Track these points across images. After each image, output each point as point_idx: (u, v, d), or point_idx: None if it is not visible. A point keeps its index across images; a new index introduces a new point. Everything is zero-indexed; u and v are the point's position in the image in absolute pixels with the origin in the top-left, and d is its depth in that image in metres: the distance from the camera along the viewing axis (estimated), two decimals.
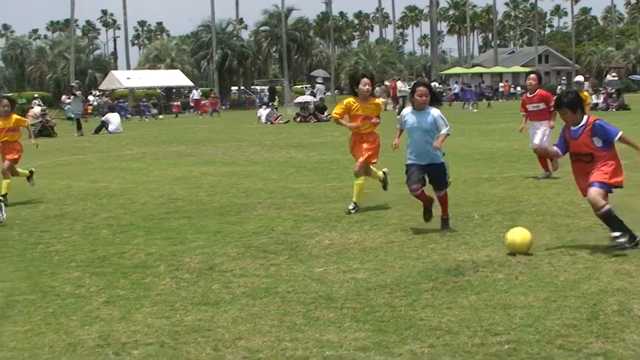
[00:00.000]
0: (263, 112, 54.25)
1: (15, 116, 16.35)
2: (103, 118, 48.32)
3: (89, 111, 64.95)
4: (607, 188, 10.02)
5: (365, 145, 13.95)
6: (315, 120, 51.07)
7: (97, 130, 44.57)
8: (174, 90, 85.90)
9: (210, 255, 10.75)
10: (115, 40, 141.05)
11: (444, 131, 11.74)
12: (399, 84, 60.64)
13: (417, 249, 10.72)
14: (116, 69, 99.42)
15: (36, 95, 69.91)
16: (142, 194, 16.94)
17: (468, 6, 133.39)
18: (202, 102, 75.85)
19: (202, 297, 8.69)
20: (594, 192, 9.88)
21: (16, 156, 16.18)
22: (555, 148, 10.65)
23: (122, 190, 17.85)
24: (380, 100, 14.74)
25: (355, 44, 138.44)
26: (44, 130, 42.37)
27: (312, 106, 55.26)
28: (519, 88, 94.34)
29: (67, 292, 9.14)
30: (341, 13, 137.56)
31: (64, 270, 10.18)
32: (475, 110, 62.18)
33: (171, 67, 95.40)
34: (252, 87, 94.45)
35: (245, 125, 50.41)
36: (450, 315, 7.61)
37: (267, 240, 11.45)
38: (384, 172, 14.66)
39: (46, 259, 10.99)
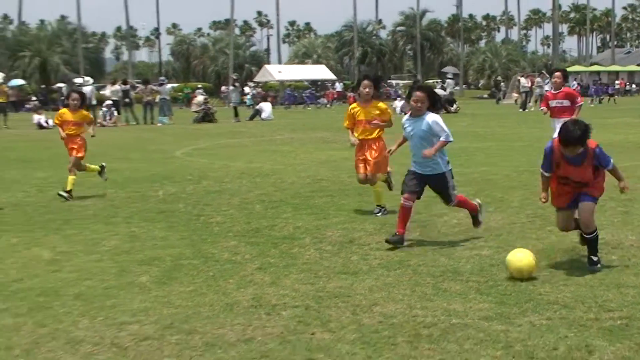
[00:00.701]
0: (398, 103, 54.10)
1: (83, 111, 15.28)
2: (257, 106, 48.89)
3: (245, 100, 65.64)
4: (596, 202, 8.68)
5: (369, 155, 11.94)
6: (444, 111, 50.59)
7: (252, 117, 45.16)
8: (318, 83, 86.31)
9: (350, 230, 10.82)
10: (268, 38, 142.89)
11: (442, 138, 9.67)
12: (522, 80, 59.51)
13: (536, 230, 10.57)
14: (269, 63, 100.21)
15: (199, 85, 70.95)
16: (291, 174, 17.12)
17: (588, 9, 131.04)
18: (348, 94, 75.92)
19: (342, 266, 8.76)
20: (589, 211, 8.45)
21: (81, 154, 14.85)
22: (541, 171, 8.68)
23: (273, 171, 18.08)
24: (383, 104, 12.14)
25: (482, 43, 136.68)
26: (206, 117, 43.09)
27: (442, 99, 54.80)
28: (634, 85, 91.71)
29: (225, 258, 9.34)
30: (470, 15, 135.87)
31: (223, 239, 10.40)
32: (592, 105, 60.68)
33: (317, 62, 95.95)
34: (389, 81, 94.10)
35: None
36: (566, 292, 7.49)
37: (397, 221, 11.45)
38: (388, 172, 12.58)
39: (207, 229, 11.22)
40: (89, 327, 6.81)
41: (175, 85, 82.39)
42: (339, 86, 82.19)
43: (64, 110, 15.19)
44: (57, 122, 15.16)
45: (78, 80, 45.23)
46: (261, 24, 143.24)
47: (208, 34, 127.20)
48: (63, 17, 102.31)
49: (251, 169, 18.61)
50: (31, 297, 7.80)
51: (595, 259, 8.46)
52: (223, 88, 65.31)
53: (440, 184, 9.88)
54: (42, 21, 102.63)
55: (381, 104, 12.13)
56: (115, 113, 41.69)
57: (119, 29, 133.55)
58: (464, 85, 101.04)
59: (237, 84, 53.23)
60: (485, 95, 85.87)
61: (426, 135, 9.71)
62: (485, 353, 5.95)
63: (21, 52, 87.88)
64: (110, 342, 6.42)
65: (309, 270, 8.64)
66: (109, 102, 42.87)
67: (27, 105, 63.53)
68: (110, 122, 41.02)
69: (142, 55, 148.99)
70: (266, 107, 46.94)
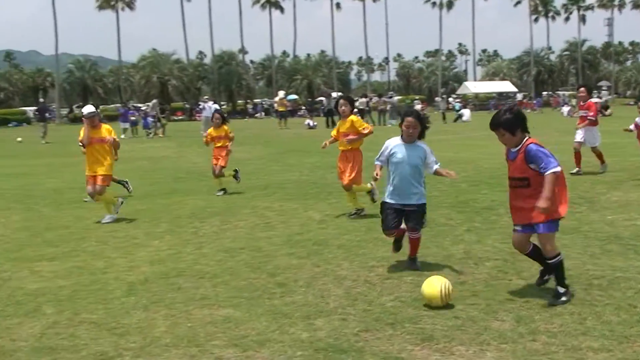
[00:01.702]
0: (565, 109, 51.57)
1: (225, 127, 13.23)
2: (459, 112, 48.01)
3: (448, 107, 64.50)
4: (556, 227, 5.71)
5: (348, 166, 10.03)
6: (600, 115, 47.56)
7: (455, 120, 44.44)
8: (503, 94, 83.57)
9: None
10: (466, 62, 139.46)
11: (436, 167, 6.87)
12: None
13: None
14: (467, 80, 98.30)
15: (417, 97, 70.77)
16: (487, 161, 16.64)
17: None
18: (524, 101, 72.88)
19: None
20: (544, 240, 5.68)
21: (223, 163, 13.01)
22: None
23: (473, 159, 17.65)
24: (355, 117, 10.21)
25: (629, 62, 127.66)
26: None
27: (599, 105, 51.62)
28: None
29: (442, 222, 9.20)
30: (620, 42, 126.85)
31: (439, 208, 10.22)
32: None
33: (503, 79, 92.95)
34: (557, 92, 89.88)
35: (551, 117, 48.01)
36: None
37: (571, 196, 10.84)
38: (371, 189, 10.17)
39: (427, 200, 11.09)
40: (349, 268, 6.90)
41: (399, 97, 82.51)
42: (519, 96, 79.29)
43: (210, 130, 13.60)
44: (207, 139, 13.52)
45: (333, 94, 45.94)
46: (461, 52, 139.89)
47: (422, 60, 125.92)
48: (322, 51, 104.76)
49: (457, 157, 18.24)
50: (309, 245, 8.01)
51: (561, 290, 5.62)
52: (436, 99, 64.45)
53: (418, 213, 6.90)
54: (308, 55, 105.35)
55: (353, 118, 10.13)
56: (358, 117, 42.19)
57: (360, 58, 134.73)
58: (614, 95, 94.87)
59: (444, 96, 52.57)
60: (632, 102, 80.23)
61: (420, 163, 6.86)
62: None
63: (295, 76, 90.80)
64: (364, 279, 6.48)
65: (504, 233, 8.32)
66: (355, 110, 43.43)
67: (299, 113, 65.63)
68: None
69: (376, 76, 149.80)
70: (466, 113, 46.03)
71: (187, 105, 75.60)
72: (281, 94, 45.09)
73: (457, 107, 52.37)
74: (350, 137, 9.94)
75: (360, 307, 5.62)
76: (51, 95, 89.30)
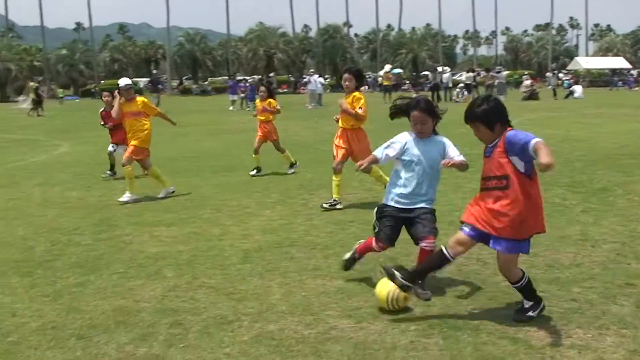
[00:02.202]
0: None
1: (271, 100, 12.47)
2: (570, 88, 46.19)
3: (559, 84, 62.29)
4: (522, 248, 4.65)
5: (353, 146, 8.98)
6: None
7: (567, 96, 42.80)
8: (617, 71, 79.82)
9: None
10: (577, 37, 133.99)
11: (461, 158, 5.42)
12: None
13: None
14: (578, 56, 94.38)
15: (526, 72, 68.69)
16: (601, 141, 15.94)
17: None
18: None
19: None
20: (506, 262, 4.68)
21: (275, 137, 12.53)
22: None
23: (587, 137, 16.94)
24: (358, 94, 8.96)
25: None
26: (532, 96, 41.31)
27: None
28: None
29: (556, 202, 8.88)
30: None
31: (552, 188, 9.87)
32: None
33: (616, 55, 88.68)
34: None
35: None
36: None
37: None
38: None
39: (540, 179, 10.78)
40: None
41: (507, 72, 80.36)
42: (635, 73, 75.44)
43: (257, 101, 12.99)
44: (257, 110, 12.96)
45: (439, 69, 45.19)
46: (572, 26, 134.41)
47: (532, 34, 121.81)
48: (428, 25, 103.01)
49: (569, 136, 17.57)
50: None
51: (527, 305, 4.79)
52: (547, 74, 62.53)
53: (429, 218, 5.40)
54: (413, 28, 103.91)
55: (357, 95, 8.96)
56: (466, 93, 41.36)
57: (466, 32, 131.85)
58: None
59: (555, 72, 50.75)
60: None
61: (439, 161, 5.43)
62: None
63: (400, 50, 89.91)
64: (476, 257, 6.40)
65: (622, 215, 8.03)
66: (461, 84, 42.66)
67: (402, 87, 65.05)
68: (462, 99, 40.78)
69: (482, 50, 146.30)
70: (577, 89, 44.19)
71: (291, 79, 76.37)
72: (387, 67, 44.75)
73: (565, 85, 50.50)
74: (342, 101, 8.95)
75: (474, 286, 5.56)
76: (162, 67, 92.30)
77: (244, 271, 6.11)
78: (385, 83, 42.49)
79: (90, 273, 6.21)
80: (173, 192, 10.24)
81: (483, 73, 45.77)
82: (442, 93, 40.57)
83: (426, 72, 64.94)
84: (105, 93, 13.56)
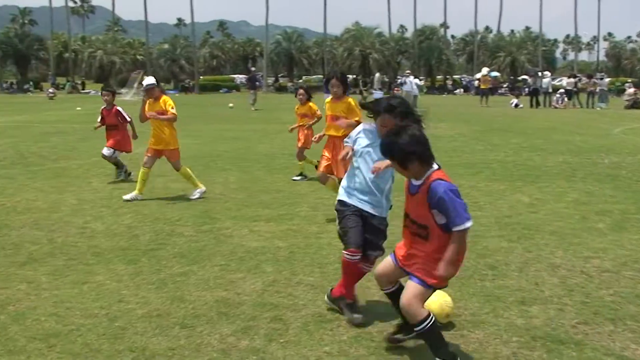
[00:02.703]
0: None
1: (310, 104, 11.90)
2: None
3: None
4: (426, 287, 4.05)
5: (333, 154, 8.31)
6: None
7: None
8: None
9: None
10: None
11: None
12: None
13: None
14: None
15: (629, 80, 66.02)
16: None
17: None
18: None
19: None
20: (410, 294, 4.03)
21: (308, 145, 11.74)
22: None
23: None
24: (353, 100, 8.34)
25: None
26: (635, 104, 39.69)
27: None
28: None
29: None
30: None
31: None
32: None
33: None
34: None
35: None
36: None
37: None
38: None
39: None
40: (563, 257, 6.62)
41: (609, 79, 77.53)
42: None
43: (296, 106, 12.26)
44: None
45: (539, 74, 43.93)
46: None
47: (636, 41, 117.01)
48: (527, 28, 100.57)
49: None
50: (518, 229, 7.78)
51: None
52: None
53: (381, 228, 5.15)
54: (512, 31, 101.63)
55: (351, 101, 8.34)
56: (566, 99, 40.11)
57: (567, 36, 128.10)
58: None
59: None
60: None
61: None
62: None
63: (498, 53, 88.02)
64: (579, 270, 6.19)
65: None
66: (561, 90, 41.44)
67: (499, 91, 63.78)
68: (561, 105, 39.57)
69: (583, 56, 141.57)
70: None
71: (386, 79, 76.12)
72: (484, 70, 43.93)
73: None
74: (341, 121, 7.93)
75: (578, 299, 5.38)
76: (259, 64, 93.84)
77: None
78: (483, 86, 41.76)
79: (193, 263, 6.38)
80: (204, 192, 9.91)
81: (585, 79, 44.22)
82: (541, 98, 39.47)
83: (525, 77, 63.34)
84: (104, 92, 12.30)
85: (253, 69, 57.74)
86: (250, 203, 9.45)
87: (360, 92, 38.20)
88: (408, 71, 42.90)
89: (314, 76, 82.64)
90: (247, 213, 8.73)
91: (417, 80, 40.89)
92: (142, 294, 5.54)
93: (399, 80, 40.77)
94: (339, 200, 5.09)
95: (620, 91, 56.82)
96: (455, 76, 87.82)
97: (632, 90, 44.28)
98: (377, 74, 40.67)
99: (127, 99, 43.49)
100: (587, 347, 4.45)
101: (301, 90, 12.27)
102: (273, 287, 5.67)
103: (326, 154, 8.46)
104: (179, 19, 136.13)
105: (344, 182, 5.16)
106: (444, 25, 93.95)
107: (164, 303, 5.30)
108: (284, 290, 5.60)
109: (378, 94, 36.21)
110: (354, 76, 57.33)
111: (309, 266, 6.27)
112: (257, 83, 43.86)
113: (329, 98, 8.64)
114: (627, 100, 41.88)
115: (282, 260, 6.48)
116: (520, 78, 72.57)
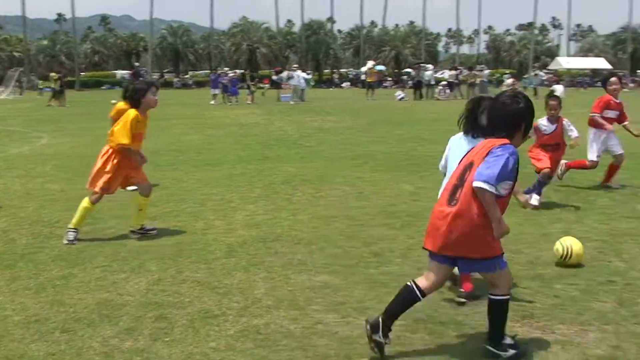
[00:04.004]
0: None
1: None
2: (551, 87, 46.47)
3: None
4: None
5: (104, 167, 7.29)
6: None
7: (548, 95, 43.04)
8: (596, 71, 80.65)
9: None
10: (559, 37, 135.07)
11: None
12: None
13: None
14: (559, 56, 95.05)
15: (507, 72, 69.19)
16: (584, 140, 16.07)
17: None
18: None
19: (630, 212, 8.16)
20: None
21: None
22: None
23: None
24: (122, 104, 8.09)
25: None
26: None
27: None
28: None
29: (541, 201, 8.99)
30: None
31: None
32: None
33: (597, 56, 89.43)
34: None
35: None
36: None
37: None
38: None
39: (524, 176, 10.81)
40: None
41: (488, 71, 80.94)
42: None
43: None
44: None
45: (422, 66, 45.25)
46: (554, 26, 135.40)
47: (514, 34, 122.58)
48: (411, 22, 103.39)
49: None
50: (402, 217, 7.99)
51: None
52: (531, 74, 62.95)
53: None
54: (396, 25, 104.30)
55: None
56: (448, 90, 41.56)
57: (449, 30, 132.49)
58: None
59: (537, 72, 51.12)
60: None
61: None
62: None
63: (383, 47, 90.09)
64: None
65: (604, 213, 8.13)
66: (443, 82, 42.91)
67: (384, 84, 65.30)
68: (444, 97, 40.99)
69: (464, 49, 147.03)
70: (559, 88, 44.41)
71: (274, 74, 76.13)
72: (369, 64, 44.78)
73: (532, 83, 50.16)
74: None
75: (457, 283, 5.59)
76: (143, 60, 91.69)
77: (229, 265, 6.10)
78: (369, 80, 42.56)
79: (74, 266, 6.17)
80: None
81: (466, 71, 45.93)
82: (424, 90, 40.71)
83: (409, 70, 65.15)
84: None
85: (137, 64, 56.25)
86: (135, 201, 9.21)
87: (248, 87, 38.00)
88: (295, 65, 43.19)
89: (201, 71, 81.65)
90: (131, 212, 8.50)
91: (304, 74, 41.21)
92: (19, 299, 5.30)
93: (283, 75, 40.76)
94: None
95: (500, 82, 59.33)
96: (342, 70, 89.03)
97: (510, 81, 46.10)
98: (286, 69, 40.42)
99: (4, 97, 41.49)
100: (467, 326, 4.64)
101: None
102: (158, 286, 5.57)
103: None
104: (59, 14, 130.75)
105: None
106: (331, 19, 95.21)
107: (42, 308, 5.09)
108: (169, 288, 5.51)
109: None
110: (242, 71, 56.92)
111: (195, 263, 6.20)
112: (141, 79, 42.78)
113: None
114: (505, 90, 43.88)
115: (167, 258, 6.37)
116: (404, 71, 74.60)
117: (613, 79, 10.34)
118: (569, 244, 5.99)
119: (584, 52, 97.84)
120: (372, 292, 5.32)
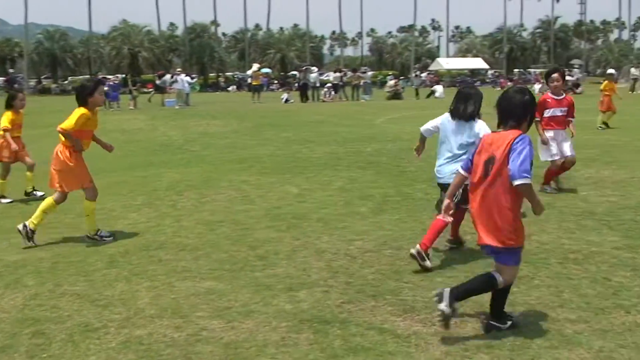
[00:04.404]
0: (536, 86, 52.01)
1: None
2: (432, 88, 48.07)
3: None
4: None
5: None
6: (572, 92, 47.97)
7: (428, 96, 44.48)
8: (475, 71, 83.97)
9: None
10: (439, 38, 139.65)
11: None
12: (632, 70, 55.38)
13: None
14: (439, 57, 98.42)
15: (390, 73, 70.92)
16: None
17: None
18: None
19: None
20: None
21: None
22: None
23: None
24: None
25: (600, 41, 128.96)
26: (396, 95, 42.89)
27: (570, 84, 52.09)
28: None
29: (419, 197, 9.30)
30: (591, 20, 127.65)
31: (416, 183, 10.35)
32: None
33: (475, 56, 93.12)
34: (528, 69, 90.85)
35: None
36: None
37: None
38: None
39: (404, 175, 11.19)
40: (329, 242, 6.96)
41: (372, 72, 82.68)
42: (490, 74, 79.62)
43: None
44: None
45: (307, 69, 45.62)
46: (434, 28, 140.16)
47: (396, 36, 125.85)
48: (295, 25, 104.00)
49: None
50: (287, 219, 8.05)
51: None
52: (411, 75, 64.77)
53: None
54: (281, 28, 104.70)
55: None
56: (333, 92, 42.10)
57: (333, 32, 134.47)
58: (585, 73, 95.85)
59: (418, 72, 52.72)
60: (602, 80, 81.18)
61: None
62: (618, 274, 5.69)
63: (268, 50, 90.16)
64: (344, 252, 6.55)
65: None
66: (328, 84, 43.43)
67: (271, 87, 65.44)
68: (329, 98, 41.49)
69: (349, 51, 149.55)
70: (439, 88, 46.08)
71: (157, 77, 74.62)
72: (255, 67, 44.58)
73: (414, 84, 51.60)
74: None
75: (342, 280, 5.69)
76: (18, 65, 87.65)
77: (110, 276, 5.94)
78: (254, 83, 42.44)
79: None
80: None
81: (350, 73, 46.69)
82: (310, 92, 41.06)
83: (294, 72, 65.56)
84: None
85: (12, 70, 53.82)
86: (10, 214, 8.84)
87: (130, 92, 37.05)
88: (179, 69, 42.52)
89: (81, 77, 78.88)
90: (5, 224, 8.15)
91: (188, 78, 40.65)
92: None
93: (166, 78, 39.98)
94: None
95: (383, 83, 60.82)
96: (228, 73, 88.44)
97: (393, 82, 47.62)
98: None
99: None
100: (351, 324, 4.72)
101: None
102: (35, 301, 5.35)
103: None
104: None
105: None
106: (215, 22, 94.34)
107: None
108: (46, 303, 5.30)
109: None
110: (124, 75, 55.40)
111: (74, 275, 6.00)
112: (17, 85, 40.96)
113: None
114: (388, 91, 45.03)
115: (45, 272, 6.13)
116: (290, 74, 75.02)
117: (554, 74, 9.36)
118: None
119: (463, 52, 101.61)
120: (258, 295, 5.33)
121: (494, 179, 4.40)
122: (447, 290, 4.39)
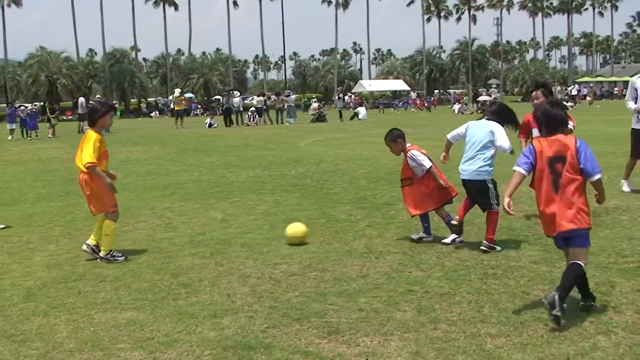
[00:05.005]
0: (456, 107, 53.46)
1: None
2: (355, 110, 48.72)
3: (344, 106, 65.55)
4: None
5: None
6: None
7: (352, 118, 45.03)
8: (397, 92, 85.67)
9: None
10: (361, 61, 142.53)
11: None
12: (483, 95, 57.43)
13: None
14: (362, 79, 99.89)
15: (314, 96, 71.63)
16: (384, 158, 16.84)
17: (594, 36, 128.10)
18: (417, 100, 74.62)
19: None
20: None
21: None
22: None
23: (370, 156, 17.86)
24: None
25: (516, 61, 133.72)
26: (320, 118, 43.26)
27: (487, 103, 53.78)
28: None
29: (343, 218, 9.36)
30: (507, 41, 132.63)
31: (340, 205, 10.43)
32: (598, 106, 58.16)
33: (396, 77, 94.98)
34: (447, 90, 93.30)
35: (445, 115, 49.70)
36: (592, 244, 7.29)
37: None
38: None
39: (328, 197, 11.27)
40: (253, 266, 6.94)
41: (295, 95, 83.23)
42: (413, 95, 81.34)
43: None
44: None
45: (236, 92, 45.56)
46: (356, 51, 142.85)
47: (318, 59, 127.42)
48: (218, 49, 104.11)
49: (355, 155, 18.55)
50: (211, 245, 7.99)
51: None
52: (335, 97, 65.59)
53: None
54: (204, 52, 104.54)
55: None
56: (257, 116, 42.15)
57: (256, 56, 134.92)
58: (503, 92, 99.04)
59: (340, 95, 53.36)
60: (519, 99, 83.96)
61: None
62: (536, 287, 5.87)
63: (191, 75, 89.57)
64: (268, 276, 6.54)
65: (404, 227, 8.63)
66: (252, 108, 43.46)
67: (195, 112, 65.02)
68: (253, 122, 41.51)
69: (273, 75, 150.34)
70: (362, 110, 46.76)
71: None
72: (177, 92, 44.23)
73: (337, 106, 52.06)
74: None
75: (267, 304, 5.68)
76: None
77: (27, 311, 5.74)
78: (177, 108, 42.04)
79: None
80: None
81: (273, 97, 46.94)
82: (234, 117, 40.99)
83: (218, 97, 65.36)
84: None
85: None
86: None
87: (49, 120, 36.11)
88: (99, 95, 41.76)
89: None
90: None
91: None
92: None
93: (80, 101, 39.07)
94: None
95: (307, 106, 61.37)
96: (150, 99, 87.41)
97: (316, 105, 48.04)
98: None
99: None
100: (276, 348, 4.71)
101: None
102: None
103: None
104: None
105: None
106: (135, 47, 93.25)
107: None
108: None
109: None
110: (42, 103, 54.00)
111: None
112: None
113: None
114: (312, 114, 45.40)
115: None
116: (214, 98, 74.74)
117: (535, 92, 8.74)
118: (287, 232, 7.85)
119: (385, 74, 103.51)
120: (181, 324, 5.25)
121: (568, 175, 5.10)
122: (555, 297, 4.81)
